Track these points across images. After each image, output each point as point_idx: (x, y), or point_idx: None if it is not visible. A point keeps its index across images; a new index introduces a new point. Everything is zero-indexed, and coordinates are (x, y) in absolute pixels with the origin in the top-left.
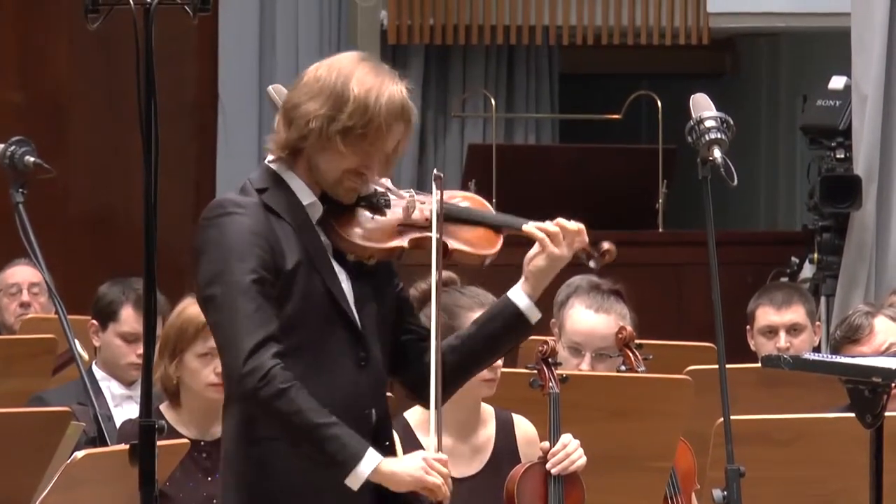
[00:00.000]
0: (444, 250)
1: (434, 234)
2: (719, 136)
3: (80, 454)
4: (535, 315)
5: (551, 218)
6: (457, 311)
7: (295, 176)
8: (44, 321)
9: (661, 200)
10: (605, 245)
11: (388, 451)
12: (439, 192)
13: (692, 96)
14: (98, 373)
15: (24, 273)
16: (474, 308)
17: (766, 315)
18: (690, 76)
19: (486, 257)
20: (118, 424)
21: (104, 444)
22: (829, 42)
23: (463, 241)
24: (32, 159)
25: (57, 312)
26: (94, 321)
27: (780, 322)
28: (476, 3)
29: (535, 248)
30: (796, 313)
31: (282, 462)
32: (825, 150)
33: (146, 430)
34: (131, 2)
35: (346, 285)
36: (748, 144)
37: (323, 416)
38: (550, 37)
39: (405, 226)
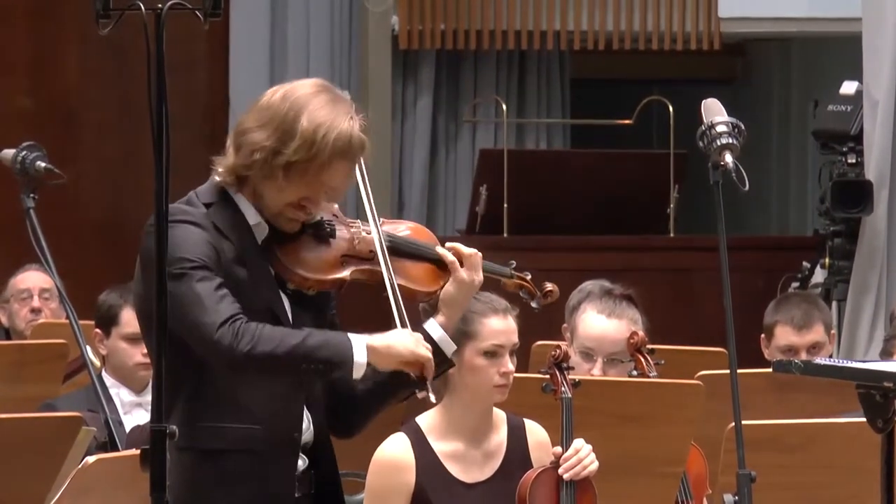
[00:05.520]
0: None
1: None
2: (731, 141)
3: (91, 459)
4: (449, 347)
5: (564, 224)
6: (470, 317)
7: (242, 197)
8: (55, 326)
9: (672, 205)
10: (549, 286)
11: (332, 480)
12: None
13: (704, 101)
14: (108, 380)
15: (35, 278)
16: (487, 313)
17: (787, 335)
18: (702, 81)
19: (429, 294)
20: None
21: (115, 449)
22: (840, 47)
23: (406, 276)
24: (44, 164)
25: (68, 318)
26: (97, 330)
27: (800, 343)
28: (487, 9)
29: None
30: (816, 334)
31: (202, 473)
32: (836, 155)
33: (157, 435)
34: (142, 7)
35: (287, 310)
36: (759, 149)
37: (298, 334)
38: (562, 42)
39: (348, 257)
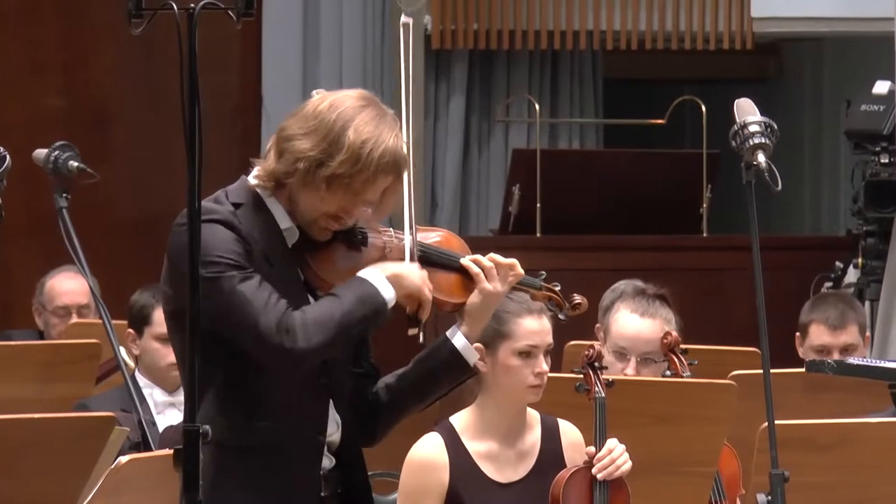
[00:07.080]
0: None
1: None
2: (763, 140)
3: (123, 459)
4: (472, 356)
5: (596, 224)
6: (505, 317)
7: (276, 201)
8: (88, 326)
9: (705, 205)
10: (577, 298)
11: (360, 480)
12: (405, 36)
13: (736, 101)
14: (141, 380)
15: (73, 294)
16: (522, 313)
17: (821, 335)
18: (734, 81)
19: (456, 306)
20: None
21: (148, 449)
22: (872, 47)
23: (435, 286)
24: (76, 164)
25: (101, 318)
26: (130, 330)
27: (834, 343)
28: (520, 8)
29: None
30: (850, 335)
31: (224, 470)
32: (869, 154)
33: (190, 435)
34: (175, 6)
35: None
36: (792, 149)
37: (334, 304)
38: (594, 42)
39: None
